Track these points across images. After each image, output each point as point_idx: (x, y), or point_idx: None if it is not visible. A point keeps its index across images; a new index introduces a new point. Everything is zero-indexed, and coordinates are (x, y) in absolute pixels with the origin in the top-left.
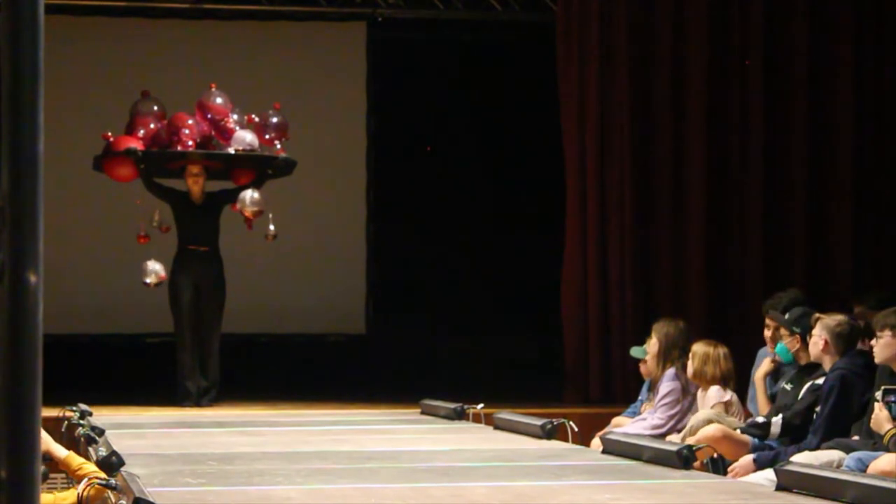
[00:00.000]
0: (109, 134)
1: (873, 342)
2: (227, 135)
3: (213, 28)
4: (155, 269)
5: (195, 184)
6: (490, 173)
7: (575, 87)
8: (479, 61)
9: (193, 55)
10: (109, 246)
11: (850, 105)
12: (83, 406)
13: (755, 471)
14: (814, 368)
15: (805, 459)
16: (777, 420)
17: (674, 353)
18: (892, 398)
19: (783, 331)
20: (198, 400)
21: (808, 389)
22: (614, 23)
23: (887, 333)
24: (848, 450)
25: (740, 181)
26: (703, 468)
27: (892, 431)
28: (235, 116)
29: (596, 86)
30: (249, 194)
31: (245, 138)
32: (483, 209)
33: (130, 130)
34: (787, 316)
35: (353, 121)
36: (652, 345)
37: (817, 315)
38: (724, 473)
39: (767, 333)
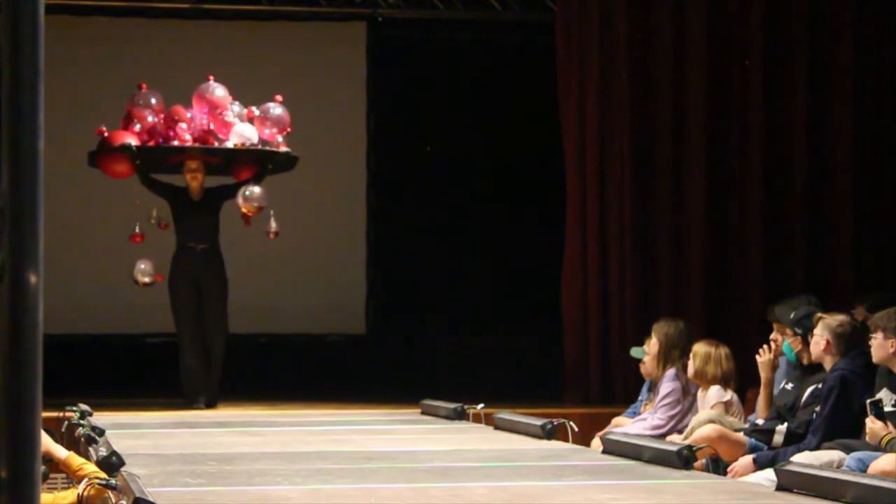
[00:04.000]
0: (104, 128)
1: (871, 342)
2: (226, 128)
3: (213, 28)
4: (146, 269)
5: (193, 179)
6: (490, 173)
7: (575, 87)
8: (479, 61)
9: (193, 55)
10: (109, 246)
11: (849, 105)
12: (83, 406)
13: (755, 471)
14: (816, 369)
15: (805, 459)
16: (782, 429)
17: (674, 354)
18: (880, 403)
19: (787, 330)
20: (206, 401)
21: (811, 395)
22: (614, 23)
23: (880, 335)
24: (848, 450)
25: (740, 181)
26: (703, 468)
27: (890, 436)
28: (236, 109)
29: (596, 86)
30: (249, 190)
31: (244, 132)
32: (483, 209)
33: (126, 124)
34: (791, 315)
35: (353, 121)
36: (652, 345)
37: (819, 315)
38: (724, 474)
39: (772, 336)
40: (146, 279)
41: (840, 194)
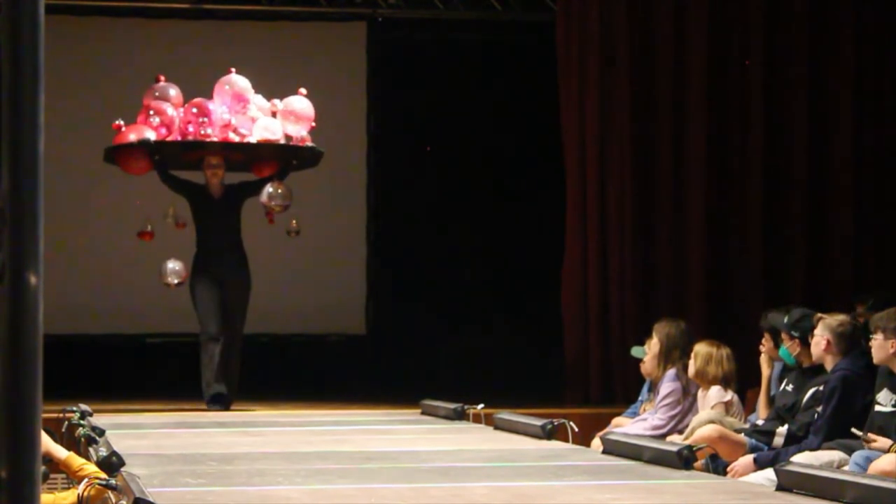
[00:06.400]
0: (121, 123)
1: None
2: (249, 123)
3: (213, 28)
4: (175, 269)
5: (214, 176)
6: (490, 173)
7: (575, 87)
8: (479, 61)
9: (193, 55)
10: (110, 246)
11: (849, 105)
12: (83, 406)
13: (755, 471)
14: (816, 371)
15: (805, 459)
16: (782, 430)
17: (675, 354)
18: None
19: (783, 334)
20: (227, 404)
21: (811, 397)
22: (614, 23)
23: (879, 335)
24: (849, 450)
25: (740, 181)
26: (703, 468)
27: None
28: (259, 102)
29: (596, 86)
30: (273, 188)
31: (269, 127)
32: (483, 209)
33: (145, 119)
34: (785, 319)
35: (353, 121)
36: (653, 345)
37: (819, 315)
38: (724, 474)
39: (762, 348)
40: (176, 280)
41: (840, 194)
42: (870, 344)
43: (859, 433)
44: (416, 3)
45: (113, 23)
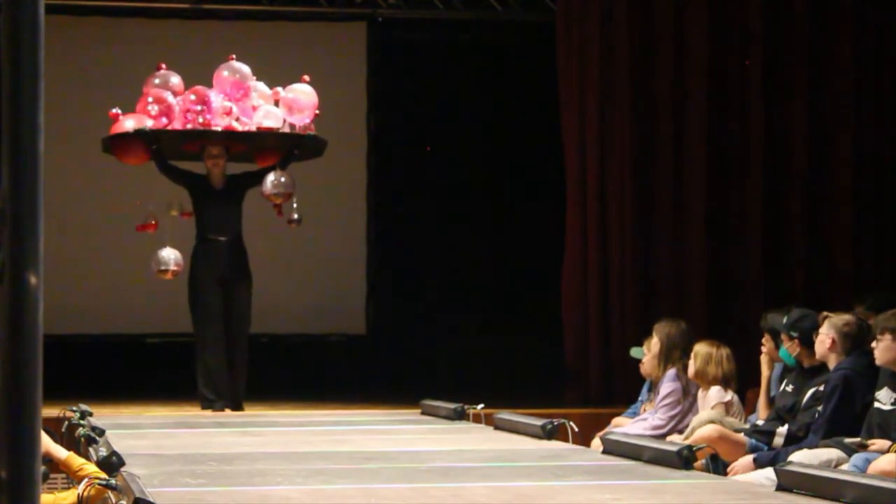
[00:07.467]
0: (118, 111)
1: (873, 344)
2: (251, 111)
3: (213, 28)
4: (171, 258)
5: (215, 166)
6: (490, 173)
7: (575, 87)
8: (479, 61)
9: (193, 55)
10: (110, 245)
11: (849, 105)
12: (83, 406)
13: (755, 470)
14: (816, 371)
15: (804, 458)
16: (782, 431)
17: (675, 354)
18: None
19: (783, 335)
20: (224, 404)
21: (811, 397)
22: (614, 23)
23: (887, 337)
24: (847, 449)
25: (740, 181)
26: (703, 468)
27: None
28: (261, 89)
29: (596, 86)
30: (275, 177)
31: (270, 113)
32: (483, 209)
33: (144, 107)
34: (784, 320)
35: (353, 120)
36: (653, 345)
37: (825, 314)
38: (724, 474)
39: (763, 348)
40: (170, 269)
41: (840, 194)
42: (872, 345)
43: (855, 441)
44: (416, 3)
45: (113, 23)
